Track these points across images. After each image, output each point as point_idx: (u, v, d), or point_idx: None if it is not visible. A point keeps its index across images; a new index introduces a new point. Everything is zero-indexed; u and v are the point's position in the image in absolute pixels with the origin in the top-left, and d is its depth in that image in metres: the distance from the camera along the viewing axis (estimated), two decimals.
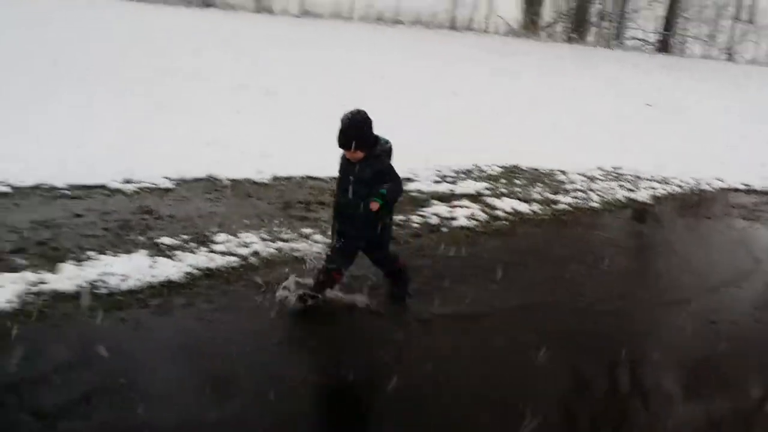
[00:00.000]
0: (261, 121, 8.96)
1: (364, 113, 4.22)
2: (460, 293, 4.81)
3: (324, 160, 7.40)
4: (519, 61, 16.54)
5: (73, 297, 4.17)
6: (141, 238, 5.15)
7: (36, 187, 5.88)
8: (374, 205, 4.11)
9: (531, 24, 20.70)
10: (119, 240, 5.09)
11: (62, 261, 4.59)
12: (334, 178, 6.96)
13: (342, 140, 4.18)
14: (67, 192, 5.91)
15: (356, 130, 4.16)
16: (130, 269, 4.55)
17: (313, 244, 5.39)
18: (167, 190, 6.33)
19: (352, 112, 4.20)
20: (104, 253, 4.78)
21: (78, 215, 5.46)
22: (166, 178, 6.51)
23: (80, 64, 10.19)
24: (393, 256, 4.66)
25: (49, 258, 4.64)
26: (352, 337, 4.30)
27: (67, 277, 4.35)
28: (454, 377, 3.86)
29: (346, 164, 4.32)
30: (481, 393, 3.76)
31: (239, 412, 3.34)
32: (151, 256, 4.83)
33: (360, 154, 4.20)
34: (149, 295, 4.32)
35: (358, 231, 4.30)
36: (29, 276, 4.32)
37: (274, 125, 8.87)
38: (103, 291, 4.29)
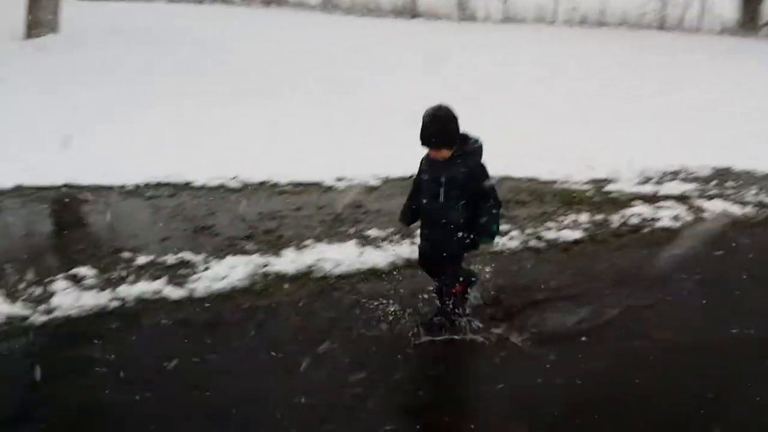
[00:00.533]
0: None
1: (448, 108, 3.84)
2: (670, 314, 4.51)
3: (521, 160, 7.58)
4: (734, 60, 15.42)
5: (294, 278, 4.71)
6: (351, 230, 5.62)
7: (262, 183, 6.60)
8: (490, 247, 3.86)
9: (749, 21, 19.12)
10: (332, 231, 5.59)
11: (285, 247, 5.16)
12: (532, 179, 7.21)
13: (425, 137, 3.81)
14: (288, 188, 6.57)
15: (440, 126, 3.79)
16: (342, 256, 5.01)
17: (512, 239, 5.55)
18: (374, 187, 6.80)
19: (434, 108, 3.82)
20: (320, 242, 5.30)
21: (298, 208, 6.07)
22: (374, 176, 6.99)
23: (296, 73, 11.08)
24: (456, 276, 4.04)
25: (274, 245, 5.23)
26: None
27: (289, 261, 4.91)
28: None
29: (433, 165, 3.92)
30: None
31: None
32: (360, 245, 5.26)
33: (445, 153, 3.83)
34: (358, 280, 4.74)
35: (450, 238, 3.88)
36: (257, 259, 4.91)
37: (472, 128, 9.11)
38: (318, 275, 4.77)
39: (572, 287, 4.76)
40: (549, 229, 5.80)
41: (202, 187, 6.40)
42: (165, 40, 12.09)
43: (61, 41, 11.34)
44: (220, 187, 6.45)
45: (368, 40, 14.00)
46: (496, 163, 7.48)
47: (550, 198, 6.70)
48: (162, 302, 4.24)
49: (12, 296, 4.16)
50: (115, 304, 4.16)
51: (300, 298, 4.43)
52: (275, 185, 6.62)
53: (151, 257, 4.82)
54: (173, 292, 4.34)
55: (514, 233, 5.67)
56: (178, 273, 4.63)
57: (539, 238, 5.63)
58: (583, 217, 6.12)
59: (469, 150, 3.87)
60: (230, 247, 5.15)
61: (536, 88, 11.38)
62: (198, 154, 7.11)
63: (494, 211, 3.85)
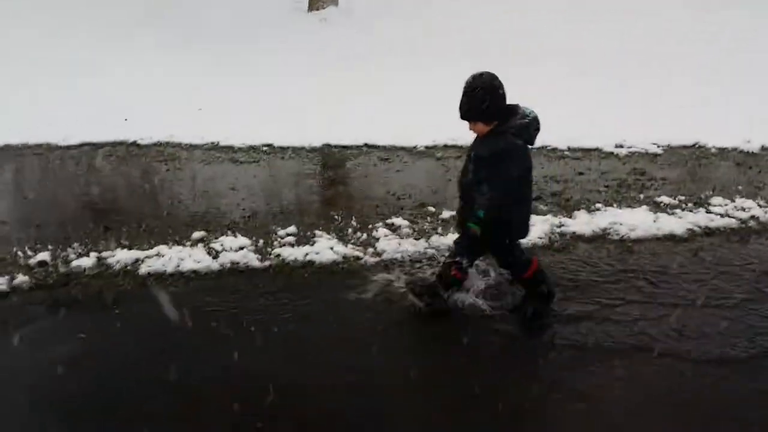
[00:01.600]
0: (748, 92, 8.68)
1: (490, 77, 3.43)
2: None
3: None
4: None
5: (590, 239, 4.85)
6: (640, 196, 5.63)
7: (542, 148, 6.78)
8: (473, 232, 3.51)
9: None
10: (619, 196, 5.66)
11: (576, 209, 5.33)
12: None
13: (459, 109, 3.49)
14: (567, 153, 6.72)
15: (474, 98, 3.40)
16: (636, 221, 5.06)
17: None
18: (656, 155, 6.71)
19: (473, 76, 3.44)
20: (610, 206, 5.40)
21: (580, 173, 6.19)
22: (655, 144, 6.90)
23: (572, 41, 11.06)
24: (521, 263, 3.81)
25: (564, 206, 5.42)
26: None
27: (583, 222, 5.06)
28: None
29: (474, 139, 3.63)
30: None
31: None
32: (653, 212, 5.27)
33: (481, 127, 3.48)
34: (656, 245, 4.78)
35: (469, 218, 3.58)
36: (552, 219, 5.13)
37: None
38: (615, 237, 4.87)
39: None
40: None
41: None
42: (432, 16, 12.61)
43: (340, 13, 12.30)
44: None
45: None
46: None
47: None
48: None
49: (343, 239, 4.77)
50: (430, 251, 4.61)
51: (600, 257, 4.57)
52: (554, 150, 6.78)
53: (452, 212, 5.21)
54: None
55: None
56: None
57: None
58: None
59: (506, 128, 3.46)
60: None
61: None
62: None
63: (486, 198, 3.46)
